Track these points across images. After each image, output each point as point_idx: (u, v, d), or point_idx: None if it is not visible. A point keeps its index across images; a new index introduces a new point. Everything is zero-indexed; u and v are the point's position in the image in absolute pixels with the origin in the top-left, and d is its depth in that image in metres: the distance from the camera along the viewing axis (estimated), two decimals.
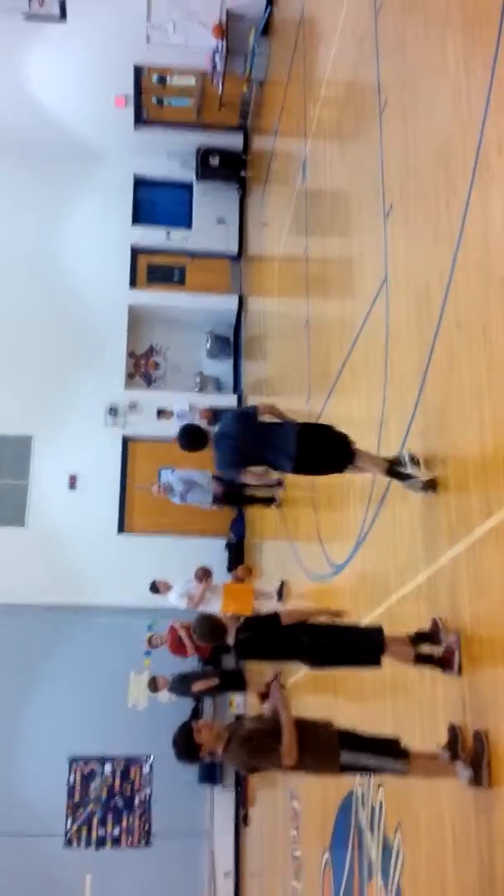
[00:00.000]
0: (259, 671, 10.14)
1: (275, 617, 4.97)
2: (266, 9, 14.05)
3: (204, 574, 11.08)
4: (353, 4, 7.88)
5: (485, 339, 4.22)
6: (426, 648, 4.66)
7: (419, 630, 4.72)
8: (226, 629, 4.84)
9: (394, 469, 5.06)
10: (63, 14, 13.20)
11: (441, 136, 5.10)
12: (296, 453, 5.37)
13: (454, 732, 4.34)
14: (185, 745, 4.44)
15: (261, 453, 5.72)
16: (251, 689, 10.92)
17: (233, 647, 4.86)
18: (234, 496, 12.53)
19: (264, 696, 10.16)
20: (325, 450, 5.42)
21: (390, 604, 5.67)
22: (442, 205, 5.01)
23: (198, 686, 10.76)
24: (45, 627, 14.70)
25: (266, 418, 5.80)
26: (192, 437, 6.43)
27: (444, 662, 4.50)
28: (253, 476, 6.33)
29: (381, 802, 5.73)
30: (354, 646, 4.76)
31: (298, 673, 8.75)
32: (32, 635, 14.65)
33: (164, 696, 11.55)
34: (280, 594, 10.47)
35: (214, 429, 14.16)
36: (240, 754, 4.35)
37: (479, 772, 4.00)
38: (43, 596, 14.63)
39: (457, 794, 4.31)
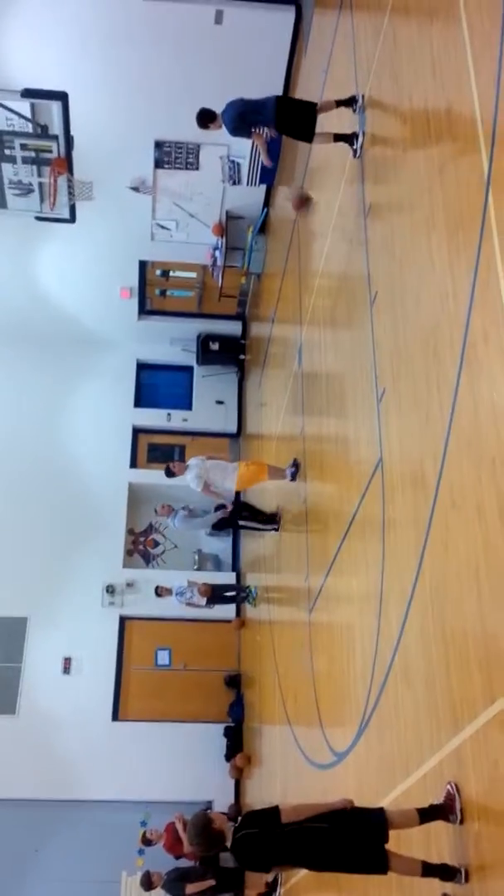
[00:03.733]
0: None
1: (275, 813, 4.70)
2: (263, 209, 15.10)
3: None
4: (343, 206, 8.47)
5: (479, 518, 4.25)
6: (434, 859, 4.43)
7: (431, 804, 4.50)
8: (224, 836, 4.55)
9: None
10: (73, 216, 14.08)
11: (429, 326, 5.35)
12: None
13: None
14: None
15: (253, 120, 8.22)
16: (249, 891, 10.20)
17: (231, 851, 4.56)
18: (233, 520, 12.35)
19: None
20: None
21: (395, 795, 5.40)
22: (433, 390, 5.18)
23: (191, 889, 10.06)
24: (32, 824, 13.87)
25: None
26: (202, 117, 8.34)
27: (445, 810, 4.36)
28: None
29: None
30: (359, 854, 4.49)
31: (299, 874, 8.22)
32: (18, 832, 13.80)
33: None
34: (294, 475, 10.12)
35: (212, 608, 14.00)
36: None
37: None
38: (32, 791, 13.93)
39: None
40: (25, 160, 12.87)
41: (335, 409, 8.39)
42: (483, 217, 4.48)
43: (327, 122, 8.56)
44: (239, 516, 12.27)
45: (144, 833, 11.35)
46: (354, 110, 7.73)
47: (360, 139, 7.61)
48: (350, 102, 7.82)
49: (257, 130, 8.48)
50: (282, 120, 8.22)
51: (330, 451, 8.58)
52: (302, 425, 10.35)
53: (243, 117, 8.25)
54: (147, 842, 11.28)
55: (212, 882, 10.10)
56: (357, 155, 7.73)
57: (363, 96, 7.64)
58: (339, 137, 8.03)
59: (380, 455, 6.37)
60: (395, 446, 6.04)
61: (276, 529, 11.56)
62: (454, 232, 4.98)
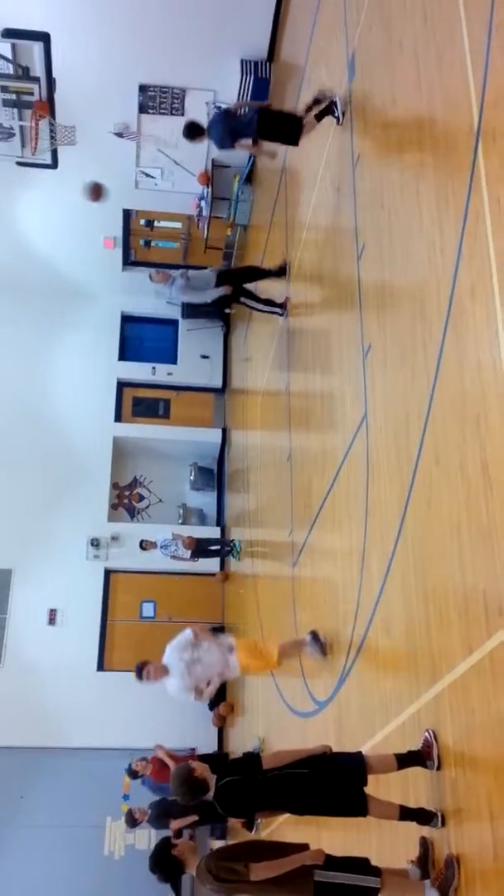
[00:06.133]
0: None
1: (256, 759, 4.81)
2: (249, 158, 14.85)
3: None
4: (331, 156, 8.35)
5: (462, 475, 4.28)
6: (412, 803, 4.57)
7: (410, 750, 4.63)
8: (207, 784, 4.64)
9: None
10: (55, 162, 13.80)
11: (416, 280, 5.32)
12: None
13: (425, 847, 4.37)
14: (165, 861, 4.63)
15: (239, 134, 8.57)
16: (231, 834, 10.44)
17: (214, 799, 4.66)
18: (237, 295, 11.45)
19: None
20: None
21: (374, 743, 5.51)
22: (418, 345, 5.17)
23: (175, 825, 10.29)
24: (18, 770, 14.08)
25: None
26: (190, 130, 9.12)
27: (422, 756, 4.48)
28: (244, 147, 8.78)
29: None
30: (338, 798, 4.61)
31: (281, 819, 8.40)
32: (4, 778, 14.01)
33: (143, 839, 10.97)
34: (322, 648, 7.09)
35: (196, 561, 13.86)
36: (209, 861, 4.43)
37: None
38: (17, 738, 14.11)
39: None
40: (6, 103, 12.55)
41: (321, 364, 8.37)
42: (472, 168, 4.43)
43: (314, 78, 8.43)
44: (243, 292, 11.46)
45: (130, 765, 11.55)
46: (336, 119, 7.88)
47: (340, 108, 7.81)
48: (329, 110, 7.95)
49: (243, 142, 8.84)
50: (264, 130, 8.65)
51: (315, 406, 8.58)
52: (287, 381, 10.33)
53: (230, 133, 8.72)
54: (133, 773, 11.49)
55: (195, 818, 10.32)
56: (340, 122, 7.84)
57: (341, 106, 7.78)
58: (321, 116, 8.13)
59: (364, 411, 6.37)
60: (380, 403, 6.04)
61: (283, 314, 10.78)
62: (443, 183, 4.93)
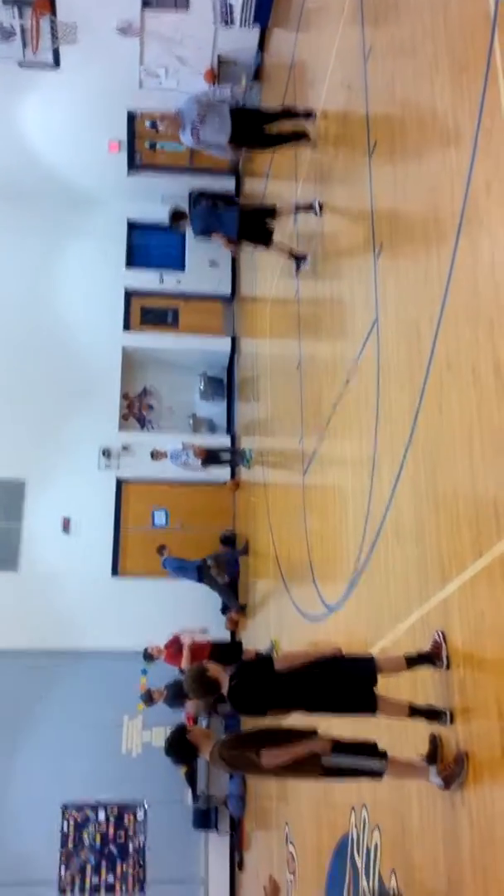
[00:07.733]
0: None
1: (268, 662, 4.93)
2: (257, 54, 14.31)
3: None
4: (342, 51, 8.02)
5: (474, 380, 4.23)
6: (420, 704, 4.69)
7: (419, 651, 4.73)
8: (219, 682, 4.77)
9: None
10: (57, 62, 13.37)
11: (430, 179, 5.16)
12: None
13: (434, 743, 4.49)
14: (180, 745, 4.89)
15: (216, 229, 9.91)
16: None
17: (227, 697, 4.80)
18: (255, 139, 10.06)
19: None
20: None
21: (384, 645, 5.61)
22: (431, 246, 5.05)
23: (190, 708, 10.68)
24: (38, 672, 14.52)
25: None
26: (174, 216, 10.35)
27: (431, 657, 4.58)
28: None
29: (376, 845, 5.63)
30: (349, 695, 4.73)
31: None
32: (24, 681, 14.47)
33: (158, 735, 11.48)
34: None
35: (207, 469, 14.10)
36: (222, 749, 4.67)
37: (451, 784, 4.20)
38: (35, 641, 14.49)
39: (453, 835, 4.24)
40: (6, 1, 12.15)
41: (331, 268, 8.22)
42: (488, 59, 4.23)
43: None
44: (258, 141, 10.20)
45: (146, 649, 11.93)
46: (316, 213, 8.64)
47: (305, 264, 9.16)
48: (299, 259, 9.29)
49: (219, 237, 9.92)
50: (244, 232, 9.75)
51: (325, 312, 8.46)
52: (297, 287, 10.17)
53: (208, 225, 9.91)
54: (149, 656, 11.88)
55: (209, 700, 10.71)
56: (298, 271, 9.39)
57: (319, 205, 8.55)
58: (293, 254, 9.46)
59: (375, 316, 6.28)
60: (392, 307, 5.94)
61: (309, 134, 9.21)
62: (458, 76, 4.73)
